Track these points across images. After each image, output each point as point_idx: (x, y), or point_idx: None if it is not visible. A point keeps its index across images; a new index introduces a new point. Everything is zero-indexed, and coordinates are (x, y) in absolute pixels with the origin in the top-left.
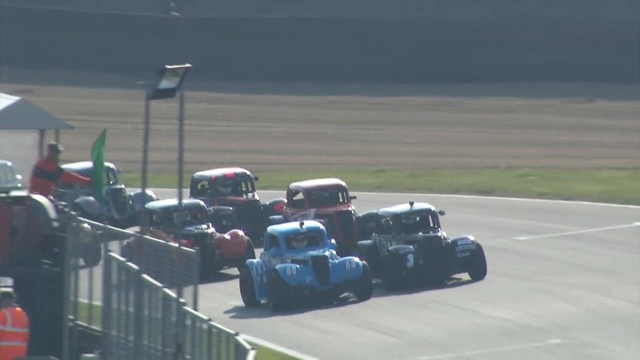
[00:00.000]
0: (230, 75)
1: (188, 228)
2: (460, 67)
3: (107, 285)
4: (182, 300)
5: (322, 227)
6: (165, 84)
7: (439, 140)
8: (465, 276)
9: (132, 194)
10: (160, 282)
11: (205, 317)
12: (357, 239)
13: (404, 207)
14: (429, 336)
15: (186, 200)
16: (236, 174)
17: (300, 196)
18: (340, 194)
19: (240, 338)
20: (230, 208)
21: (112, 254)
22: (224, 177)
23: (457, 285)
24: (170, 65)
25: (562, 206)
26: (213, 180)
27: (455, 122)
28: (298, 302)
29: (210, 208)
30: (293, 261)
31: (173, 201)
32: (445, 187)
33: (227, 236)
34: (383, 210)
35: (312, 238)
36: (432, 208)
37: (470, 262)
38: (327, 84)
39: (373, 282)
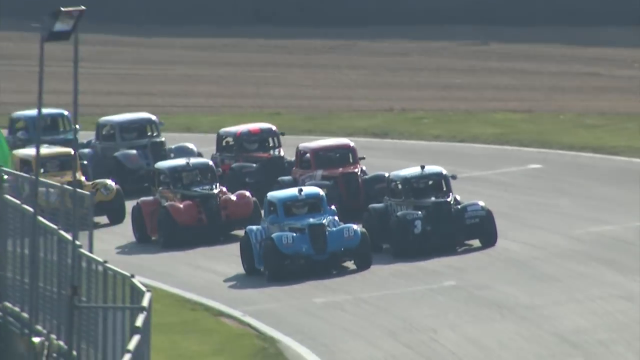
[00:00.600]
0: (125, 17)
1: (194, 189)
2: (354, 9)
3: (2, 228)
4: (77, 242)
5: (321, 193)
6: (59, 26)
7: (334, 83)
8: (476, 242)
9: (172, 147)
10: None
11: (100, 260)
12: (364, 201)
13: (414, 171)
14: (326, 278)
15: (194, 160)
16: (262, 130)
17: (308, 157)
18: (348, 155)
19: (136, 280)
20: (254, 165)
21: (7, 196)
22: (249, 133)
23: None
24: (65, 7)
25: (457, 149)
26: (238, 137)
27: (350, 65)
28: (294, 272)
29: (234, 165)
30: (290, 229)
31: (181, 161)
32: (340, 130)
33: (233, 197)
34: (394, 173)
35: (312, 204)
36: (444, 172)
37: (479, 229)
38: (223, 26)
39: (384, 246)
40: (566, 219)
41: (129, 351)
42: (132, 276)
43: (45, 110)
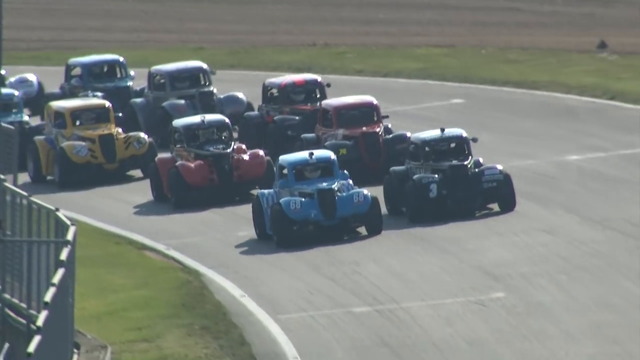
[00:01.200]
0: None
1: (208, 147)
2: None
3: None
4: (1, 176)
5: (333, 156)
6: None
7: (258, 18)
8: (496, 207)
9: (222, 96)
10: None
11: (24, 193)
12: (384, 161)
13: (433, 134)
14: (246, 212)
15: (209, 117)
16: (306, 81)
17: (330, 115)
18: (370, 114)
19: (61, 214)
20: (297, 117)
21: None
22: (293, 85)
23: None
24: None
25: (380, 83)
26: (282, 88)
27: (274, 0)
28: (303, 237)
29: (276, 117)
30: (300, 194)
31: (197, 119)
32: (264, 65)
33: (245, 157)
34: (414, 135)
35: (325, 168)
36: (464, 134)
37: (496, 193)
38: None
39: (403, 209)
40: (488, 154)
41: (53, 284)
42: (57, 210)
43: (101, 57)
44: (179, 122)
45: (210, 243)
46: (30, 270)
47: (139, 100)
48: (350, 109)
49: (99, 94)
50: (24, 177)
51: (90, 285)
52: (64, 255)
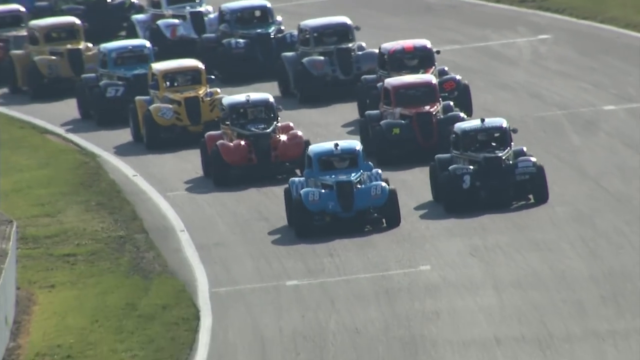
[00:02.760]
0: None
1: (250, 127)
2: None
3: None
4: None
5: (358, 147)
6: None
7: None
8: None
9: (360, 53)
10: None
11: None
12: (438, 142)
13: (474, 124)
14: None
15: (254, 96)
16: (415, 47)
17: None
18: (429, 93)
19: None
20: None
21: None
22: (403, 51)
23: None
24: None
25: None
26: (391, 54)
27: None
28: (321, 229)
29: (378, 84)
30: (322, 185)
31: (242, 97)
32: None
33: (283, 137)
34: (456, 125)
35: (352, 159)
36: (504, 125)
37: (529, 186)
38: None
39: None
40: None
41: None
42: None
43: (249, 2)
44: (226, 99)
45: (104, 130)
46: None
47: (289, 54)
48: (409, 88)
49: (241, 40)
50: (126, 135)
51: None
52: None
